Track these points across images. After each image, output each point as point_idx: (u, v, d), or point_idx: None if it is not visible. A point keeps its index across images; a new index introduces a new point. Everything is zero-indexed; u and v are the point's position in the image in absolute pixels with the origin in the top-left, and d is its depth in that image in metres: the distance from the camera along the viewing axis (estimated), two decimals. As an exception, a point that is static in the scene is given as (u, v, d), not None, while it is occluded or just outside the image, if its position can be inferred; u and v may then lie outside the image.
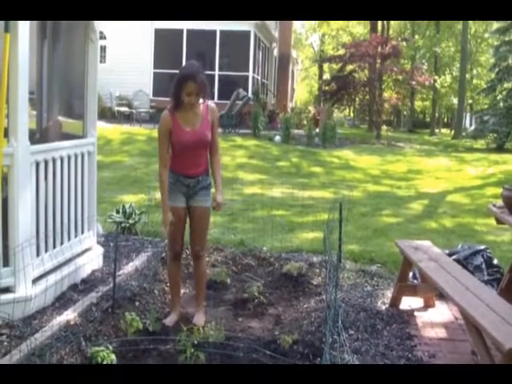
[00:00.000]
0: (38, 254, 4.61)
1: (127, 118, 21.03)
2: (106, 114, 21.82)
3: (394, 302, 5.05)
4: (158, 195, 8.91)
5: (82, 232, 5.38)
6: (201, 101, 4.53)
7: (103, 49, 23.93)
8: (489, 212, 5.13)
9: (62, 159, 4.92)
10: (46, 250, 4.76)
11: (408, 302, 5.14)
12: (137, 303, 4.91)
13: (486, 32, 44.13)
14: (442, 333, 4.62)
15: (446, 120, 65.87)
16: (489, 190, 12.83)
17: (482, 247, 5.92)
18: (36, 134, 5.24)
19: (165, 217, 4.47)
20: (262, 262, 6.32)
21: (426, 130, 45.42)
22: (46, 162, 4.67)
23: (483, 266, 5.65)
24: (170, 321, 4.62)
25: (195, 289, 4.93)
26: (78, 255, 5.27)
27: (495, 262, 5.78)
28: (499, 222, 4.77)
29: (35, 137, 5.03)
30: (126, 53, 23.15)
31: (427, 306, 5.10)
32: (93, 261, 5.51)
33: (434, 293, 4.96)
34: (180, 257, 4.88)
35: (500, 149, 25.23)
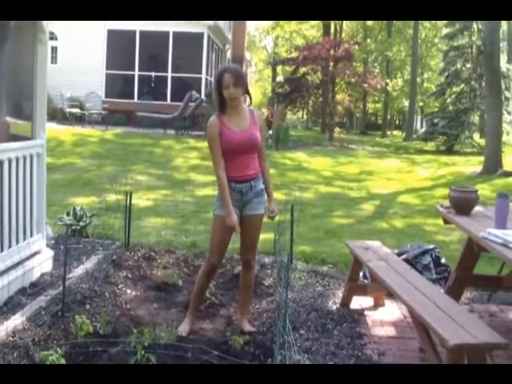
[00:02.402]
0: (-16, 258, 4.52)
1: (79, 120, 20.75)
2: (58, 116, 21.50)
3: (345, 301, 5.12)
4: (108, 197, 8.93)
5: (31, 235, 5.29)
6: (246, 105, 4.52)
7: (54, 49, 23.60)
8: (437, 212, 5.23)
9: (9, 161, 4.83)
10: (-7, 254, 4.67)
11: (359, 302, 5.21)
12: (87, 306, 4.86)
13: (435, 37, 45.09)
14: (391, 331, 4.70)
15: (397, 122, 66.85)
16: (438, 191, 13.06)
17: (431, 247, 6.05)
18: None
19: (231, 218, 4.33)
20: (215, 263, 6.32)
21: (378, 132, 46.05)
22: (-6, 164, 4.59)
23: (431, 265, 5.77)
24: (183, 330, 4.51)
25: (243, 297, 4.82)
26: (27, 258, 5.17)
27: (443, 261, 5.91)
28: (446, 222, 4.88)
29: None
30: (77, 54, 22.81)
31: (377, 305, 5.19)
32: (42, 264, 5.42)
33: (384, 292, 5.04)
34: (216, 271, 4.79)
35: (449, 151, 25.76)
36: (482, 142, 26.40)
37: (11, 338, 4.02)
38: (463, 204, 4.73)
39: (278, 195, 11.53)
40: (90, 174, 12.80)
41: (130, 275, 5.77)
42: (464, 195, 4.81)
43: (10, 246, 4.89)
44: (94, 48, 23.02)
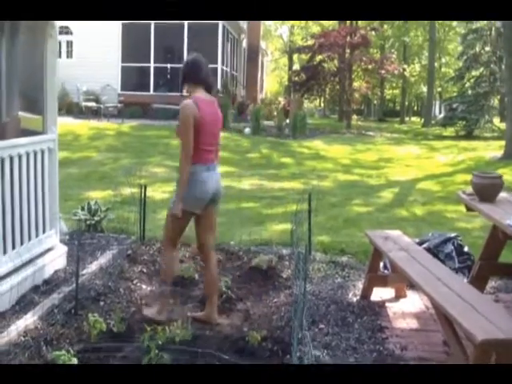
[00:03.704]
0: (-5, 256, 4.44)
1: (95, 114, 20.69)
2: (73, 110, 21.48)
3: (365, 293, 4.97)
4: (124, 191, 8.84)
5: (44, 231, 5.20)
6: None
7: (70, 44, 23.61)
8: (458, 199, 5.05)
9: (19, 157, 4.73)
10: (5, 252, 4.57)
11: (379, 293, 5.06)
12: (101, 303, 4.76)
13: (453, 21, 44.41)
14: (413, 323, 4.55)
15: (415, 108, 66.25)
16: (459, 177, 12.85)
17: (453, 235, 5.88)
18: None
19: None
20: (231, 256, 6.20)
21: (396, 119, 45.64)
22: (2, 160, 4.48)
23: (454, 253, 5.61)
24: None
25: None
26: (40, 255, 5.09)
27: (466, 249, 5.74)
28: (469, 209, 4.71)
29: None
30: (93, 47, 22.76)
31: (398, 296, 5.04)
32: (55, 260, 5.33)
33: (405, 283, 4.89)
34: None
35: (469, 136, 25.44)
36: (503, 126, 26.07)
37: (23, 338, 3.93)
38: (487, 190, 4.56)
39: (295, 184, 11.51)
40: (106, 167, 12.74)
41: (145, 270, 5.67)
42: (488, 181, 4.63)
43: (21, 244, 4.81)
44: (109, 41, 22.92)
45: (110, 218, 7.13)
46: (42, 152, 5.14)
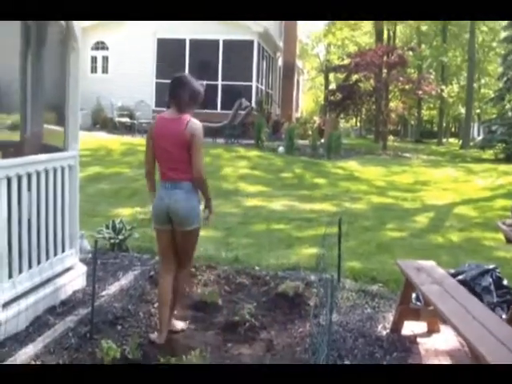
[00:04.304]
0: (10, 276, 4.28)
1: (129, 129, 20.74)
2: (108, 125, 21.58)
3: (396, 326, 4.69)
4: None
5: (63, 250, 5.05)
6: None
7: (105, 59, 23.82)
8: (498, 229, 4.76)
9: (38, 174, 4.60)
10: (20, 271, 4.42)
11: (410, 327, 4.78)
12: (118, 327, 4.57)
13: (493, 41, 43.81)
14: (446, 362, 4.26)
15: (453, 129, 65.42)
16: (498, 202, 12.44)
17: (491, 267, 5.57)
18: (10, 146, 4.93)
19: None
20: (257, 280, 5.97)
21: (434, 140, 44.98)
22: (20, 177, 4.34)
23: (492, 287, 5.29)
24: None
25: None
26: (58, 275, 4.94)
27: (505, 282, 5.43)
28: (509, 241, 4.41)
29: (8, 150, 4.71)
30: (128, 63, 22.95)
31: (431, 330, 4.75)
32: (74, 281, 5.18)
33: (439, 317, 4.60)
34: None
35: (509, 159, 24.78)
36: (544, 149, 25.46)
37: (33, 362, 3.75)
38: (530, 222, 4.25)
39: (327, 206, 11.25)
40: (137, 183, 12.61)
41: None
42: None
43: (39, 263, 4.66)
44: (144, 57, 23.07)
45: (135, 236, 6.97)
46: (62, 169, 5.01)
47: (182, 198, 4.35)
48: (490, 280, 5.35)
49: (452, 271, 5.46)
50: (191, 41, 22.83)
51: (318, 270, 5.96)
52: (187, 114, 4.44)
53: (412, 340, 4.58)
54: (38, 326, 4.38)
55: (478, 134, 45.27)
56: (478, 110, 48.00)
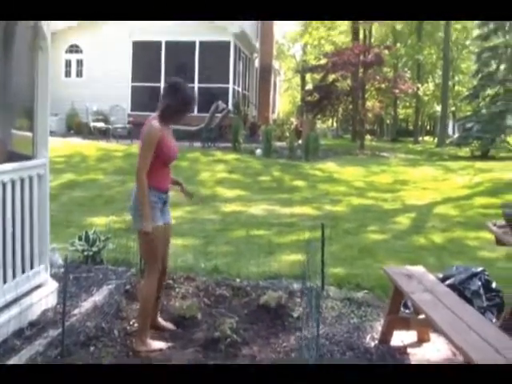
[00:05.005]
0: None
1: (104, 134, 20.37)
2: (82, 130, 21.18)
3: (385, 337, 4.48)
4: (128, 217, 8.42)
5: (32, 267, 4.75)
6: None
7: (80, 62, 23.45)
8: (488, 231, 4.57)
9: (4, 185, 4.31)
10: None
11: (400, 336, 4.57)
12: (91, 348, 4.30)
13: (467, 39, 44.07)
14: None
15: (428, 128, 65.69)
16: (477, 201, 12.33)
17: (479, 270, 5.39)
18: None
19: (148, 223, 4.27)
20: (238, 291, 5.71)
21: (410, 138, 45.13)
22: (-20, 190, 4.06)
23: (481, 290, 5.12)
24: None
25: (159, 302, 4.82)
26: (26, 294, 4.63)
27: (493, 285, 5.25)
28: (500, 242, 4.22)
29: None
30: (103, 66, 22.58)
31: (421, 340, 4.55)
32: (44, 299, 4.87)
33: (430, 326, 4.39)
34: None
35: (485, 156, 24.87)
36: (519, 145, 25.55)
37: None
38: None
39: (307, 209, 11.03)
40: (112, 190, 12.33)
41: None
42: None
43: (5, 282, 4.35)
44: (119, 60, 22.73)
45: (110, 247, 6.68)
46: (31, 179, 4.72)
47: (132, 198, 4.44)
48: (479, 283, 5.17)
49: (440, 275, 5.27)
50: (167, 43, 22.55)
51: (302, 278, 5.75)
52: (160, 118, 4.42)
53: (402, 351, 4.36)
54: (3, 351, 4.07)
55: (453, 132, 45.45)
56: (452, 108, 48.17)
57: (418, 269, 4.67)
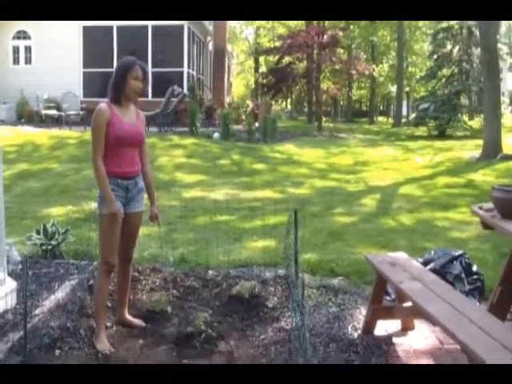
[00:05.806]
0: None
1: (56, 122, 19.75)
2: (34, 118, 20.50)
3: (368, 327, 4.26)
4: (87, 206, 8.06)
5: (-14, 265, 4.41)
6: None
7: (28, 49, 22.67)
8: (474, 215, 4.37)
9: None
10: None
11: (383, 325, 4.37)
12: (57, 351, 3.97)
13: (419, 21, 44.24)
14: (429, 363, 3.86)
15: (382, 108, 66.10)
16: (440, 180, 12.27)
17: (458, 253, 5.22)
18: None
19: (115, 205, 4.07)
20: (208, 282, 5.43)
21: (364, 119, 45.30)
22: None
23: (462, 274, 4.96)
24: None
25: (123, 293, 4.56)
26: (-19, 295, 4.29)
27: (474, 268, 5.10)
28: (487, 227, 4.03)
29: None
30: (52, 53, 21.86)
31: (406, 328, 4.34)
32: (3, 300, 4.52)
33: (415, 315, 4.19)
34: (113, 271, 4.41)
35: (441, 135, 25.07)
36: (474, 124, 25.77)
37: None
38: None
39: (270, 193, 10.78)
40: (67, 179, 11.89)
41: (109, 303, 4.83)
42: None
43: (-42, 283, 4.00)
44: (69, 46, 22.04)
45: (71, 240, 6.32)
46: (-18, 171, 4.36)
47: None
48: (460, 267, 5.01)
49: (420, 260, 5.09)
50: (118, 27, 21.91)
51: (275, 265, 5.51)
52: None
53: (387, 341, 4.14)
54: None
55: (408, 112, 45.72)
56: (407, 89, 48.45)
57: (401, 255, 4.44)
